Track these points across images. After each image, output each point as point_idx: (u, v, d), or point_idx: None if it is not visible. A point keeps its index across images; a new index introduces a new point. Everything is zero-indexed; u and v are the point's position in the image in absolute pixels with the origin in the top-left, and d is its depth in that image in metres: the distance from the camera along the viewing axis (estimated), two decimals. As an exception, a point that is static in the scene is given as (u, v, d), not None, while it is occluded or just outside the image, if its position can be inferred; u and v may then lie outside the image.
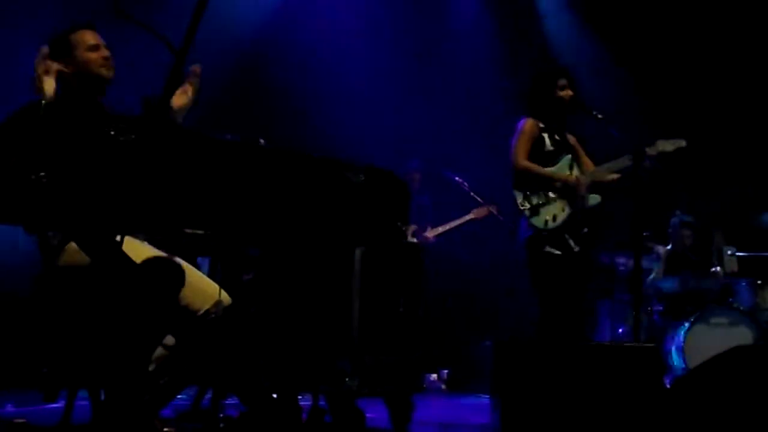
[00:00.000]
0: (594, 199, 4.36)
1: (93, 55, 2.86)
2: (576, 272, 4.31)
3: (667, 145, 4.25)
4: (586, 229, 4.39)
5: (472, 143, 7.07)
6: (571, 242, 4.29)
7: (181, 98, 3.04)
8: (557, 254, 4.25)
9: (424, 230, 6.45)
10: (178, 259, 2.71)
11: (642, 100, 7.17)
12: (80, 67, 2.83)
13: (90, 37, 2.89)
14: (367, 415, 3.26)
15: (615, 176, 4.42)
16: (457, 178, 6.50)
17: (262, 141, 2.58)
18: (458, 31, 7.75)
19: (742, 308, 5.62)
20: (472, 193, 6.43)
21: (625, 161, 4.25)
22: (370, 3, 7.25)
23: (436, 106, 7.44)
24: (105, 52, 2.89)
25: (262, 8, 6.74)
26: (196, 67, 3.08)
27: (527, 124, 4.39)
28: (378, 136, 6.68)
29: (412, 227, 6.37)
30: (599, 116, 4.23)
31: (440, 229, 6.46)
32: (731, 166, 6.89)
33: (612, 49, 7.37)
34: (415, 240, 6.31)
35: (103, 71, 2.87)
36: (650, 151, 4.21)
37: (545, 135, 4.39)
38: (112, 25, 2.87)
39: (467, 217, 6.43)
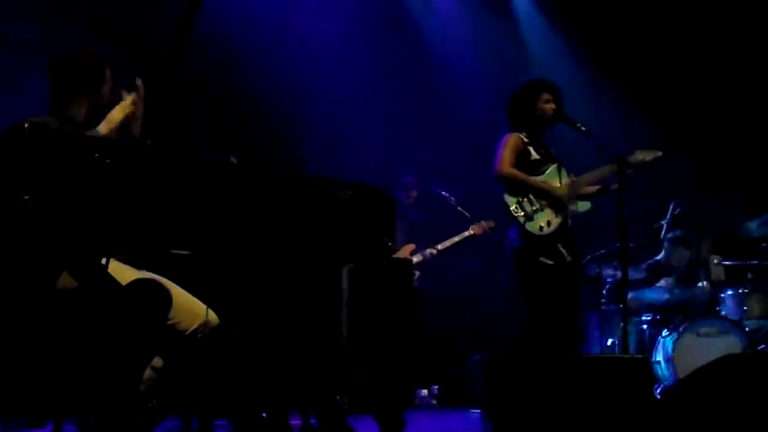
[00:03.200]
0: (584, 205, 4.37)
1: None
2: (567, 283, 4.31)
3: (646, 155, 4.34)
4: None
5: (460, 158, 7.08)
6: (564, 252, 4.29)
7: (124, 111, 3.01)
8: (550, 264, 4.25)
9: (423, 248, 6.39)
10: (164, 280, 2.70)
11: (630, 110, 7.23)
12: (98, 101, 2.86)
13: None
14: (358, 432, 3.24)
15: (594, 188, 4.46)
16: (443, 193, 6.49)
17: (233, 159, 2.58)
18: (447, 45, 7.80)
19: (730, 317, 5.63)
20: (459, 208, 6.41)
21: (607, 170, 4.30)
22: (357, 17, 7.27)
23: (425, 120, 7.47)
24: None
25: (247, 22, 6.74)
26: (137, 81, 3.04)
27: (511, 137, 4.43)
28: (365, 151, 6.68)
29: (411, 246, 6.34)
30: (582, 128, 4.26)
31: (439, 247, 6.37)
32: (718, 174, 6.93)
33: (595, 58, 7.43)
34: (416, 258, 6.28)
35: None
36: (630, 159, 4.28)
37: (530, 148, 4.42)
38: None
39: (466, 234, 6.34)
